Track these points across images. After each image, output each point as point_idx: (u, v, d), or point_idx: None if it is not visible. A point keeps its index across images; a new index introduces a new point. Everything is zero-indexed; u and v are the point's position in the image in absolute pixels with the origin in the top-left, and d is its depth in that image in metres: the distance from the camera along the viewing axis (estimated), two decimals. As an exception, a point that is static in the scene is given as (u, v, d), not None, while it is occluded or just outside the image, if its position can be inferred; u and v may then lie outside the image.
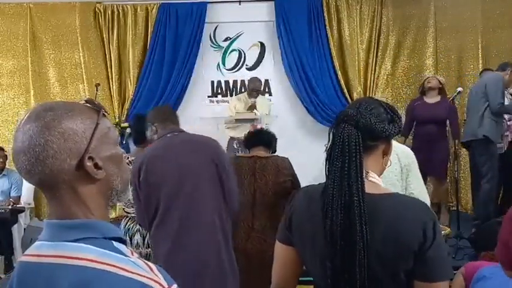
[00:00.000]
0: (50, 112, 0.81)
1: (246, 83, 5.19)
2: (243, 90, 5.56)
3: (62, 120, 0.81)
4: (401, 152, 2.11)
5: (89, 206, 0.84)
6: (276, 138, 2.91)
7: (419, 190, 2.12)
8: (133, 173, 2.10)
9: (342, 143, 1.12)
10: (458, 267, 3.24)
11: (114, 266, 0.78)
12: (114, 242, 0.84)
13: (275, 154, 2.85)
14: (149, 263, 0.81)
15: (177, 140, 2.20)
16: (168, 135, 2.21)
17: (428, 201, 2.13)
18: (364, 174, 1.13)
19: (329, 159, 1.15)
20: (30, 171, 0.81)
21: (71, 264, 0.79)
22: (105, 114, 0.88)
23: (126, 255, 0.81)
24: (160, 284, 0.77)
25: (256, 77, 4.97)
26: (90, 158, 0.83)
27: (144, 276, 0.77)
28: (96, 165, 0.84)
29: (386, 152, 1.23)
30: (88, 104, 0.87)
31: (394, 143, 2.06)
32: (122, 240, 0.86)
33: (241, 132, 4.43)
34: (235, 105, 4.85)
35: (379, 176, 1.21)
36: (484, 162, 4.10)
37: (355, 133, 1.13)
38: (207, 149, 2.17)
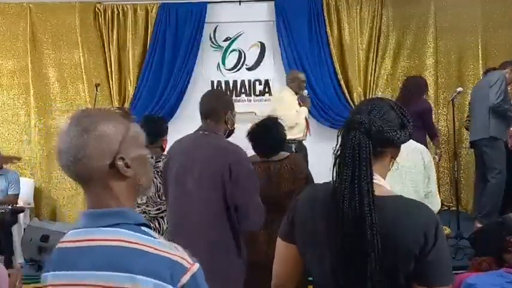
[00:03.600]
0: (88, 118, 0.95)
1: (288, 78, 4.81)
2: (243, 90, 5.56)
3: (98, 125, 0.94)
4: (424, 150, 2.13)
5: (119, 199, 0.98)
6: (284, 130, 2.73)
7: (435, 189, 2.14)
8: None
9: (352, 151, 1.10)
10: (458, 267, 3.25)
11: (144, 245, 0.92)
12: (142, 227, 0.98)
13: (287, 155, 2.70)
14: (175, 244, 0.96)
15: (197, 141, 2.15)
16: (200, 132, 2.18)
17: (439, 201, 2.16)
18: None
19: (339, 165, 1.13)
20: (70, 168, 0.95)
21: (106, 245, 0.93)
22: (135, 120, 1.02)
23: (154, 237, 0.96)
24: (187, 260, 0.92)
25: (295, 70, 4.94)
26: (121, 158, 0.96)
27: (171, 254, 0.92)
28: (126, 165, 0.96)
29: (394, 156, 1.23)
30: (119, 111, 1.04)
31: (411, 141, 2.10)
32: (148, 227, 0.99)
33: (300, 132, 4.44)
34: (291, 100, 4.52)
35: (384, 178, 1.20)
36: (492, 158, 4.19)
37: (366, 142, 1.10)
38: (221, 158, 2.03)
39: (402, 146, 1.71)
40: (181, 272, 0.90)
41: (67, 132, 0.95)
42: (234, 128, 2.26)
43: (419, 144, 2.16)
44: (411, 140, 2.06)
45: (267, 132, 2.62)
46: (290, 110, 4.38)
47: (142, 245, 0.92)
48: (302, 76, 4.68)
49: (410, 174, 2.04)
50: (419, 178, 2.06)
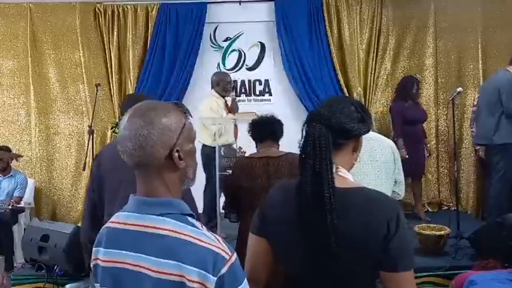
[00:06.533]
0: (153, 111, 1.04)
1: (218, 80, 4.53)
2: (243, 90, 5.57)
3: (162, 118, 1.03)
4: (393, 146, 2.50)
5: (169, 189, 1.05)
6: (283, 125, 2.84)
7: (402, 178, 2.52)
8: None
9: (313, 142, 1.19)
10: (458, 267, 3.26)
11: (190, 236, 0.99)
12: (188, 217, 1.05)
13: (286, 152, 2.75)
14: (216, 235, 1.02)
15: None
16: None
17: (404, 187, 2.53)
18: (334, 170, 1.21)
19: (302, 156, 1.22)
20: (132, 154, 1.02)
21: (156, 233, 1.00)
22: (191, 116, 1.11)
23: (198, 228, 1.02)
24: (226, 252, 0.98)
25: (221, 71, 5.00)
26: (177, 150, 1.04)
27: (214, 246, 0.98)
28: (179, 157, 1.04)
29: (355, 149, 1.31)
30: (177, 106, 1.10)
31: (382, 137, 2.50)
32: (193, 216, 1.06)
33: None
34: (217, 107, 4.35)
35: (348, 171, 1.29)
36: (498, 161, 4.11)
37: (326, 132, 1.19)
38: None
39: (376, 143, 2.29)
40: (221, 263, 0.96)
41: (133, 121, 1.03)
42: None
43: (388, 140, 2.57)
44: (383, 137, 2.50)
45: (268, 122, 2.79)
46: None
47: (189, 236, 0.99)
48: (227, 78, 4.48)
49: (384, 166, 2.40)
50: (391, 169, 2.43)
